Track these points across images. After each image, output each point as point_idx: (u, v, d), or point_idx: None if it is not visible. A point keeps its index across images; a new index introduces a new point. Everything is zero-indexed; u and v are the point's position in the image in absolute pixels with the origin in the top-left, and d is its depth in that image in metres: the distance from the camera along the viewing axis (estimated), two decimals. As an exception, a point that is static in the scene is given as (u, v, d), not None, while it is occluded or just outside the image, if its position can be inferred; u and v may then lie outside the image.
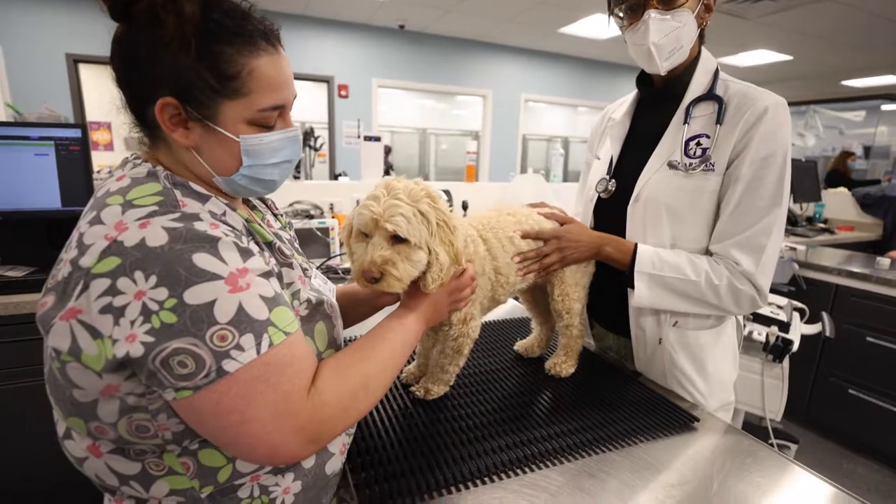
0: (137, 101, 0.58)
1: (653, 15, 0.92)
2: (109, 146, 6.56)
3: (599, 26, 5.20)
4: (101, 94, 6.37)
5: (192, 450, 0.56)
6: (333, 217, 2.35)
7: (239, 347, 0.50)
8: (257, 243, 0.61)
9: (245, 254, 0.54)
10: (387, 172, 3.01)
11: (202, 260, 0.50)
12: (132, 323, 0.47)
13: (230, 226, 0.57)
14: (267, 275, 0.56)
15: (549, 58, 6.78)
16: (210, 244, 0.51)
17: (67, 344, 0.49)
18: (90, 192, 1.70)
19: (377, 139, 2.69)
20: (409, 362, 1.03)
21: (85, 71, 4.87)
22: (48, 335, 0.51)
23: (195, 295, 0.48)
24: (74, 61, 4.65)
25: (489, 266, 0.89)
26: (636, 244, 1.00)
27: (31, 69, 4.54)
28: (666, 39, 0.93)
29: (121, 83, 0.58)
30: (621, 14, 0.97)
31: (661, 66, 0.97)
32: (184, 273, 0.48)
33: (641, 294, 0.98)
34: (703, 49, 1.01)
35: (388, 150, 5.32)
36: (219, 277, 0.50)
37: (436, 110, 7.04)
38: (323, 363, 0.60)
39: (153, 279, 0.48)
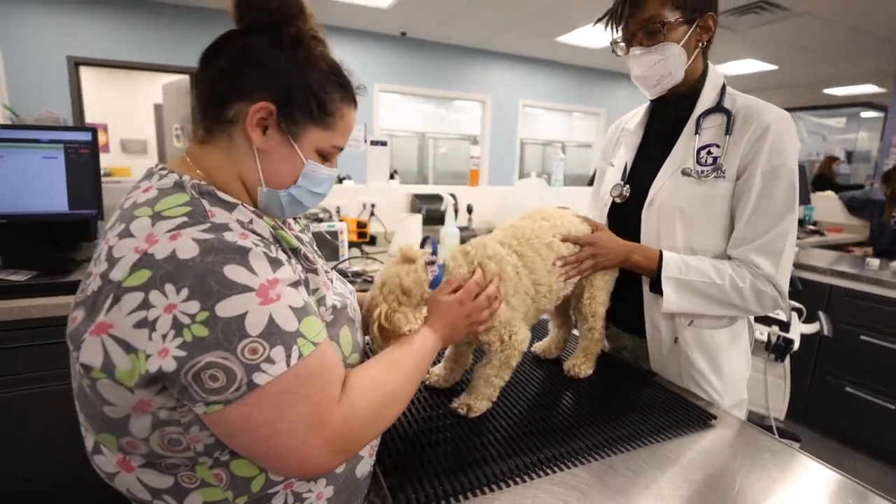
0: (228, 95, 0.60)
1: (635, 52, 1.01)
2: (105, 148, 6.54)
3: (595, 36, 5.30)
4: (101, 96, 6.34)
5: (223, 461, 0.56)
6: (341, 220, 2.37)
7: (269, 360, 0.49)
8: (284, 250, 0.61)
9: (275, 264, 0.54)
10: (391, 176, 3.04)
11: (233, 272, 0.50)
12: (164, 337, 0.47)
13: (258, 234, 0.58)
14: (296, 284, 0.56)
15: (547, 65, 6.88)
16: (241, 255, 0.51)
17: (100, 360, 0.49)
18: (99, 196, 1.72)
19: (383, 144, 2.72)
20: (434, 363, 1.03)
21: (85, 73, 4.85)
22: (79, 351, 0.50)
23: (227, 308, 0.48)
24: (75, 64, 4.63)
25: (527, 280, 0.90)
26: (661, 251, 1.03)
27: (31, 71, 4.51)
28: (650, 71, 1.01)
29: (218, 75, 0.60)
30: (621, 42, 1.04)
31: (650, 93, 1.07)
32: (215, 286, 0.48)
33: (670, 299, 1.01)
34: (711, 65, 1.07)
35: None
36: (250, 289, 0.50)
37: (435, 115, 7.08)
38: (351, 373, 0.60)
39: (185, 292, 0.47)
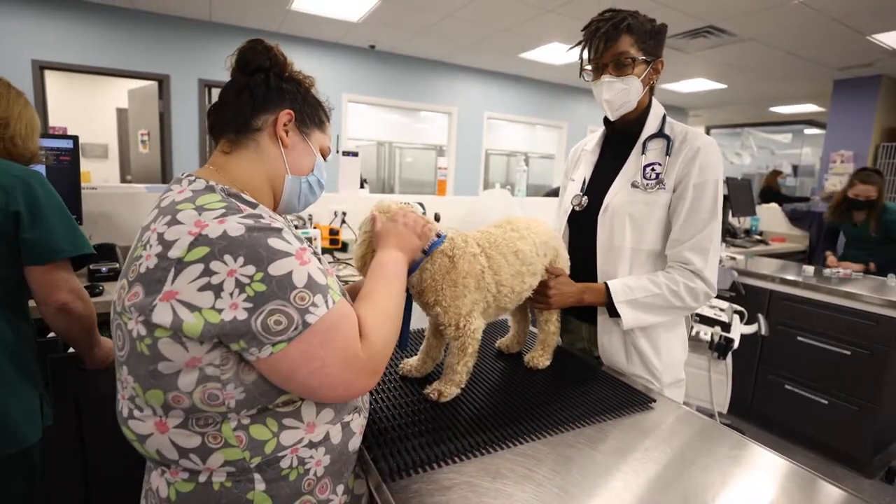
0: (256, 110, 0.76)
1: (606, 79, 1.17)
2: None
3: (556, 53, 5.51)
4: (61, 100, 6.11)
5: (244, 424, 0.65)
6: (315, 227, 2.43)
7: (314, 304, 0.63)
8: None
9: (299, 239, 0.69)
10: (361, 185, 3.11)
11: (275, 243, 0.63)
12: (231, 294, 0.59)
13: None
14: (314, 255, 0.70)
15: (511, 79, 7.08)
16: (277, 232, 0.65)
17: (170, 319, 0.59)
18: (78, 202, 1.80)
19: (354, 154, 2.80)
20: (411, 355, 1.14)
21: (50, 77, 4.74)
22: (151, 314, 0.60)
23: (277, 268, 0.61)
24: (41, 68, 4.52)
25: (490, 279, 1.00)
26: (605, 283, 1.19)
27: (-5, 75, 4.38)
28: (616, 97, 1.18)
29: (245, 98, 0.77)
30: (590, 68, 1.21)
31: (612, 115, 1.23)
32: (264, 253, 0.61)
33: (627, 317, 1.17)
34: (654, 100, 1.26)
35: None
36: (290, 255, 0.63)
37: (401, 124, 7.17)
38: (358, 314, 0.71)
39: (241, 260, 0.60)
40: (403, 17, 4.72)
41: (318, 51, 5.69)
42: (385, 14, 4.63)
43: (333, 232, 2.44)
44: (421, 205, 2.79)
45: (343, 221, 2.60)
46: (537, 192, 6.49)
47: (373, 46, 5.86)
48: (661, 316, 1.19)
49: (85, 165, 6.39)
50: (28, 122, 1.19)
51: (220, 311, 0.59)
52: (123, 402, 0.67)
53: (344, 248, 2.50)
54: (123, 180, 6.20)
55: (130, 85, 5.35)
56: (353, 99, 6.08)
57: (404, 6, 4.41)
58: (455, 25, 4.89)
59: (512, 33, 5.02)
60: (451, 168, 6.90)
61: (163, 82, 5.04)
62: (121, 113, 6.51)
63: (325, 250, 2.33)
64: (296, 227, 2.21)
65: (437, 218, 2.88)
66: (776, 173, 6.31)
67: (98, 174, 6.47)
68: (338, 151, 2.80)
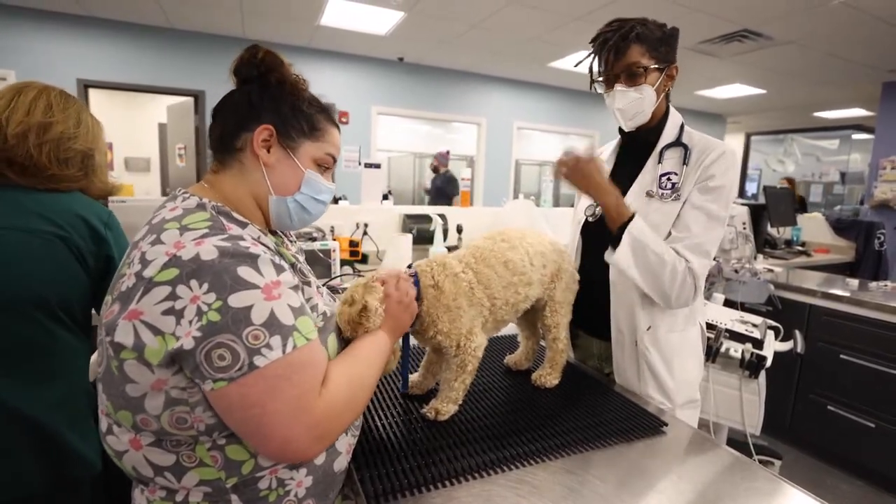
0: (236, 129, 0.73)
1: (619, 88, 1.15)
2: (109, 165, 6.61)
3: (586, 62, 5.43)
4: (106, 116, 6.49)
5: (220, 444, 0.63)
6: (334, 239, 2.46)
7: (268, 346, 0.58)
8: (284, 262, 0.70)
9: (279, 269, 0.64)
10: (385, 197, 3.14)
11: (245, 272, 0.59)
12: (190, 322, 0.56)
13: (266, 246, 0.68)
14: (295, 288, 0.65)
15: (541, 88, 7.04)
16: (251, 260, 0.61)
17: (131, 340, 0.57)
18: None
19: (377, 166, 2.82)
20: (412, 371, 1.11)
21: (94, 95, 5.05)
22: (114, 333, 0.58)
23: (237, 299, 0.57)
24: (85, 86, 4.82)
25: (481, 294, 0.98)
26: (635, 213, 1.10)
27: (44, 93, 4.70)
28: (629, 106, 1.15)
29: (227, 118, 0.74)
30: (601, 79, 1.19)
31: (626, 125, 1.20)
32: (229, 281, 0.58)
33: (620, 253, 1.08)
34: (671, 107, 1.22)
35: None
36: (256, 287, 0.59)
37: (433, 136, 7.21)
38: (328, 368, 0.67)
39: (205, 286, 0.57)
40: (430, 29, 4.78)
41: (347, 64, 5.82)
42: (412, 27, 4.69)
43: (353, 244, 2.46)
44: (441, 216, 2.79)
45: (365, 233, 2.62)
46: (571, 202, 6.38)
47: (401, 59, 5.95)
48: (642, 278, 1.08)
49: (128, 178, 6.77)
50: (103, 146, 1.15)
51: (178, 337, 0.56)
52: (102, 417, 0.67)
53: (364, 259, 2.52)
54: (164, 193, 6.51)
55: (169, 101, 5.63)
56: (382, 111, 6.17)
57: (430, 18, 4.46)
58: (481, 36, 4.91)
59: (540, 42, 5.00)
60: (480, 178, 6.89)
61: (198, 98, 5.28)
62: (161, 128, 6.84)
63: (344, 262, 2.36)
64: (314, 239, 2.24)
65: (458, 230, 2.86)
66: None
67: (140, 187, 6.81)
68: (360, 163, 2.83)
